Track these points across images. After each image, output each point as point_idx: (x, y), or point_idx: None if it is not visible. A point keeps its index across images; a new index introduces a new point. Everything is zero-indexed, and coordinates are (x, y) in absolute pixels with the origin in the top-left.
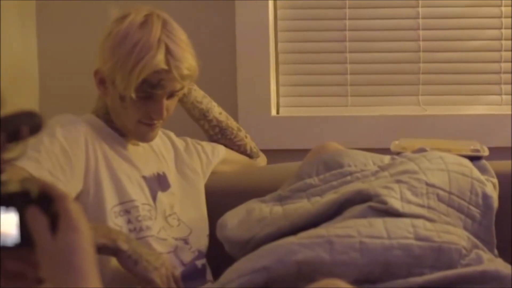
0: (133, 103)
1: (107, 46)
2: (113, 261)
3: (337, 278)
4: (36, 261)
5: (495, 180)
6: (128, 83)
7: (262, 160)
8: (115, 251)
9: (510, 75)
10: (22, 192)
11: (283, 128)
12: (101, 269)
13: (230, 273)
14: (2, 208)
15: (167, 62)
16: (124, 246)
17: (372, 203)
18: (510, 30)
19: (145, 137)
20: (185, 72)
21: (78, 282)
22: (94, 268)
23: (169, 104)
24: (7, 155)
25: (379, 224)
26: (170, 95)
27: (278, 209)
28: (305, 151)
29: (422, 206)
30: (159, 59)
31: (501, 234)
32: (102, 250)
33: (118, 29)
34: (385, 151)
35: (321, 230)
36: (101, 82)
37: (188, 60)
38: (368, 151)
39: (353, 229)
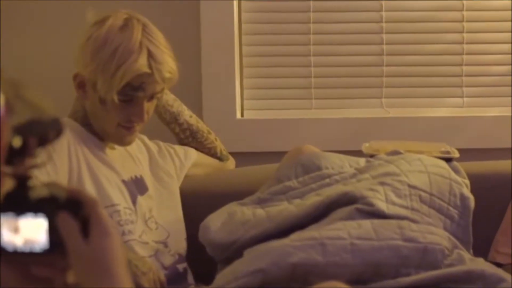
0: (114, 106)
1: (88, 51)
2: None
3: (330, 279)
4: (64, 267)
5: (467, 181)
6: (110, 87)
7: (231, 163)
8: None
9: (471, 78)
10: (51, 198)
11: (248, 130)
12: None
13: (226, 276)
14: (31, 214)
15: (149, 66)
16: None
17: (358, 205)
18: (471, 34)
19: (123, 141)
20: (167, 75)
21: (113, 284)
22: (127, 272)
23: (149, 107)
24: (35, 160)
25: (367, 226)
26: (150, 98)
27: (260, 211)
28: (270, 154)
29: (406, 207)
30: (141, 63)
31: (473, 233)
32: None
33: (98, 33)
34: (350, 153)
35: (313, 232)
36: (81, 85)
37: (169, 63)
38: (333, 153)
39: (344, 231)
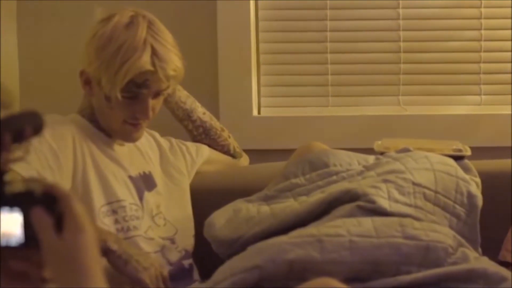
0: (118, 103)
1: (93, 48)
2: (103, 261)
3: (327, 276)
4: (40, 261)
5: (478, 180)
6: (113, 84)
7: (245, 160)
8: (105, 251)
9: (489, 75)
10: (26, 192)
11: (264, 128)
12: None
13: (222, 272)
14: (6, 208)
15: (153, 63)
16: (114, 246)
17: (360, 203)
18: (489, 31)
19: (130, 137)
20: (171, 73)
21: (84, 281)
22: (100, 268)
23: (155, 104)
24: (11, 155)
25: (368, 223)
26: (156, 95)
27: (265, 208)
28: (287, 151)
29: (409, 205)
30: (145, 61)
31: (485, 232)
32: None
33: (103, 30)
34: (366, 151)
35: (312, 229)
36: (87, 82)
37: (173, 61)
38: (349, 151)
39: (343, 228)
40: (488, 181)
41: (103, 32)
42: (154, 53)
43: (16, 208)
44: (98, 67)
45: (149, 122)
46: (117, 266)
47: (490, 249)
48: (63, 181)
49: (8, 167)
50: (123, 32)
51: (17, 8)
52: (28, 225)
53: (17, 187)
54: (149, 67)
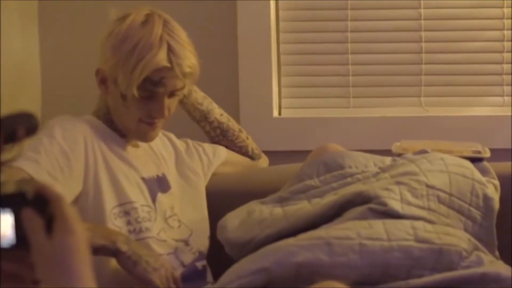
0: (134, 101)
1: (109, 46)
2: (113, 262)
3: (336, 280)
4: (32, 262)
5: (497, 182)
6: (130, 82)
7: (263, 161)
8: (114, 252)
9: (511, 76)
10: (18, 193)
11: (285, 129)
12: (100, 270)
13: (230, 275)
14: None
15: (169, 60)
16: (123, 247)
17: (372, 205)
18: (511, 32)
19: (146, 137)
20: (187, 69)
21: (73, 283)
22: (89, 270)
23: (171, 103)
24: (4, 156)
25: (378, 226)
26: (172, 94)
27: (278, 210)
28: (307, 153)
29: (422, 207)
30: (161, 57)
31: (503, 236)
32: (102, 251)
33: (119, 28)
34: (387, 152)
35: (321, 232)
36: (103, 81)
37: (189, 58)
38: (370, 152)
39: (353, 231)
40: (508, 184)
41: (118, 31)
42: (170, 50)
43: (7, 209)
44: (115, 65)
45: (165, 122)
46: (126, 267)
47: (507, 252)
48: (73, 182)
49: (1, 168)
50: (139, 30)
51: (38, 9)
52: (19, 227)
53: (8, 188)
54: (165, 63)
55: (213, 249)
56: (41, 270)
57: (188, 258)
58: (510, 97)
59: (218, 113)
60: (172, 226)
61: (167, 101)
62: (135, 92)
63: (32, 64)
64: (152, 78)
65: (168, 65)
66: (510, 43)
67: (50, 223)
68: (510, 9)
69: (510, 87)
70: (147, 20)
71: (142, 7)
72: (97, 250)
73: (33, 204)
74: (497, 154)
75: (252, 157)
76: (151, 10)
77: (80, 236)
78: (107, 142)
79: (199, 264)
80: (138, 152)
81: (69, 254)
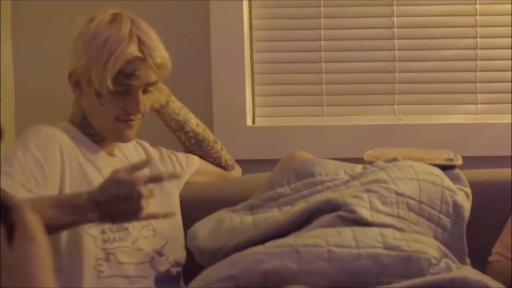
0: (109, 98)
1: (79, 45)
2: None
3: (304, 286)
4: None
5: (468, 190)
6: (103, 76)
7: (236, 171)
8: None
9: (485, 84)
10: None
11: (258, 138)
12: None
13: (198, 282)
14: None
15: (141, 51)
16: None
17: (341, 212)
18: (485, 39)
19: (123, 136)
20: (159, 60)
21: None
22: (51, 277)
23: (145, 100)
24: None
25: (347, 233)
26: (145, 90)
27: (248, 218)
28: None
29: (392, 215)
30: (133, 48)
31: (477, 242)
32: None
33: (88, 28)
34: (361, 160)
35: (289, 240)
36: (76, 84)
37: (160, 49)
38: (344, 160)
39: (321, 238)
40: (481, 191)
41: (88, 30)
42: (140, 42)
43: None
44: (87, 63)
45: (142, 120)
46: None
47: (481, 259)
48: (49, 192)
49: None
50: (108, 27)
51: (11, 18)
52: None
53: None
54: (137, 53)
55: (188, 256)
56: (3, 278)
57: (164, 267)
58: (483, 105)
59: (194, 123)
60: (146, 235)
61: (142, 97)
62: (110, 85)
63: (6, 74)
64: (125, 70)
65: (140, 55)
66: (483, 51)
67: (11, 231)
68: (483, 17)
69: (483, 95)
70: (115, 18)
71: (107, 8)
72: (67, 226)
73: None
74: (471, 162)
75: (225, 168)
76: (118, 10)
77: (42, 244)
78: (82, 150)
79: (174, 270)
80: (113, 161)
81: (30, 262)
